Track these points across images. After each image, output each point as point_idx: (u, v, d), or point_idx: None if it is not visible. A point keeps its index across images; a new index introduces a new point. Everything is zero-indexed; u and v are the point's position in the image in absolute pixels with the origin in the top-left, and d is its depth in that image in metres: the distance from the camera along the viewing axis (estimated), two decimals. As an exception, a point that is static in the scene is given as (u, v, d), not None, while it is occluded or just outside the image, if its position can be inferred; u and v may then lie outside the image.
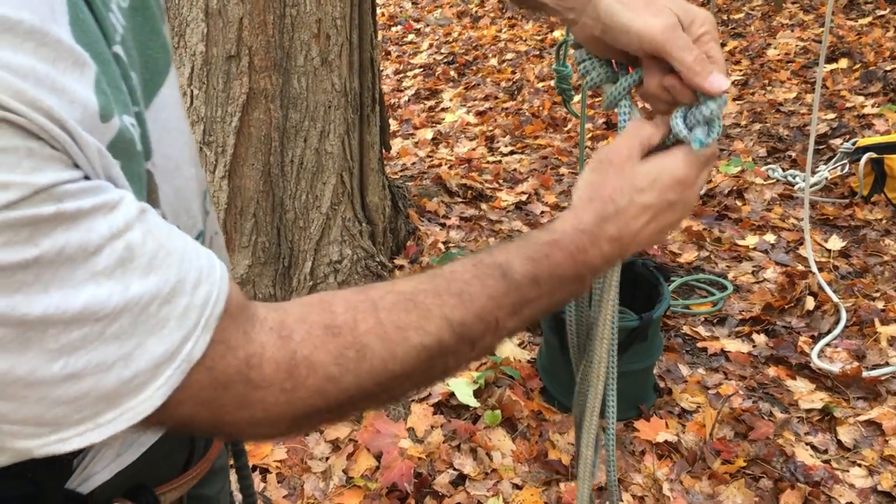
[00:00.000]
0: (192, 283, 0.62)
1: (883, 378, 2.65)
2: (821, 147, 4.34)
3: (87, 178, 0.59)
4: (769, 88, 5.21)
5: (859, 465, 2.35)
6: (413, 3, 8.16)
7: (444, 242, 3.46)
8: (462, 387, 2.60)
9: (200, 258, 0.65)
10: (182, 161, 0.81)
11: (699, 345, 2.92)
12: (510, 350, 2.82)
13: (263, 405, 0.65)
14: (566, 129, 4.94)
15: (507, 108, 5.32)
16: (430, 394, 2.58)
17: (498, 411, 2.52)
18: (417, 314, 0.70)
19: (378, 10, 7.25)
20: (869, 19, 6.25)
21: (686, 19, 0.82)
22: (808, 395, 2.62)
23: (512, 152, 4.67)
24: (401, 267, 3.23)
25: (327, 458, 2.38)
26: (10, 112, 0.53)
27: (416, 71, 6.24)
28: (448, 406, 2.57)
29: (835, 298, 3.03)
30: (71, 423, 0.59)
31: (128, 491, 0.80)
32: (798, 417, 2.55)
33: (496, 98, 5.53)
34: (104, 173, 0.62)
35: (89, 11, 0.65)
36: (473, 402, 2.56)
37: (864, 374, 2.65)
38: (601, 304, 0.91)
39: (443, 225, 3.65)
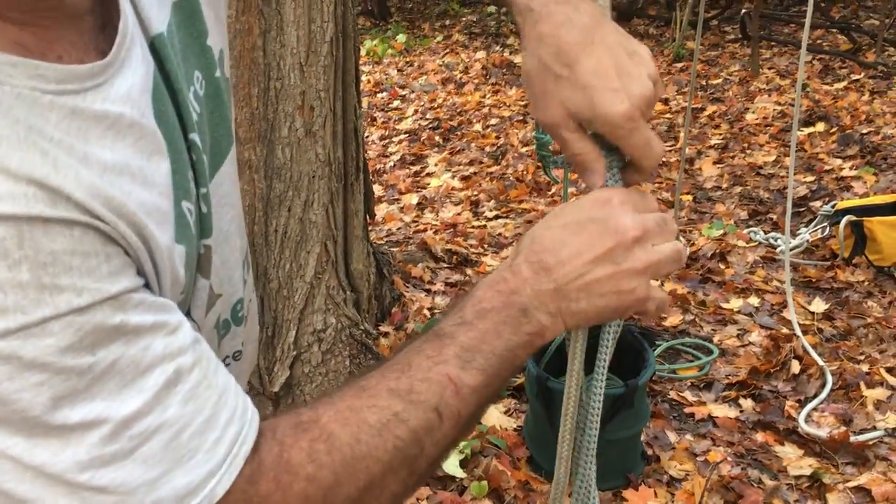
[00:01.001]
0: (226, 419, 0.64)
1: (870, 443, 2.64)
2: (801, 210, 4.40)
3: (147, 285, 0.63)
4: (748, 152, 5.30)
5: (850, 534, 2.33)
6: (398, 70, 8.30)
7: (429, 309, 3.46)
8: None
9: (238, 397, 0.66)
10: (231, 233, 0.85)
11: (686, 410, 2.90)
12: (496, 419, 2.79)
13: None
14: (550, 193, 4.99)
15: (491, 173, 5.37)
16: (415, 464, 2.54)
17: (485, 482, 2.49)
18: (367, 394, 0.70)
19: (364, 77, 7.37)
20: (844, 84, 6.40)
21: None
22: (796, 461, 2.60)
23: (497, 216, 4.71)
24: (386, 334, 3.22)
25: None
26: (98, 219, 0.57)
27: (402, 136, 6.31)
28: (433, 477, 2.53)
29: (820, 362, 3.03)
30: None
31: None
32: (787, 484, 2.52)
33: (481, 163, 5.59)
34: (171, 274, 0.66)
35: (171, 101, 0.71)
36: (460, 473, 2.52)
37: (852, 438, 2.63)
38: (569, 373, 0.87)
39: (428, 291, 3.65)
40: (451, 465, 2.54)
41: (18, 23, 0.58)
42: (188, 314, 0.78)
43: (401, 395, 0.70)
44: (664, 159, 5.26)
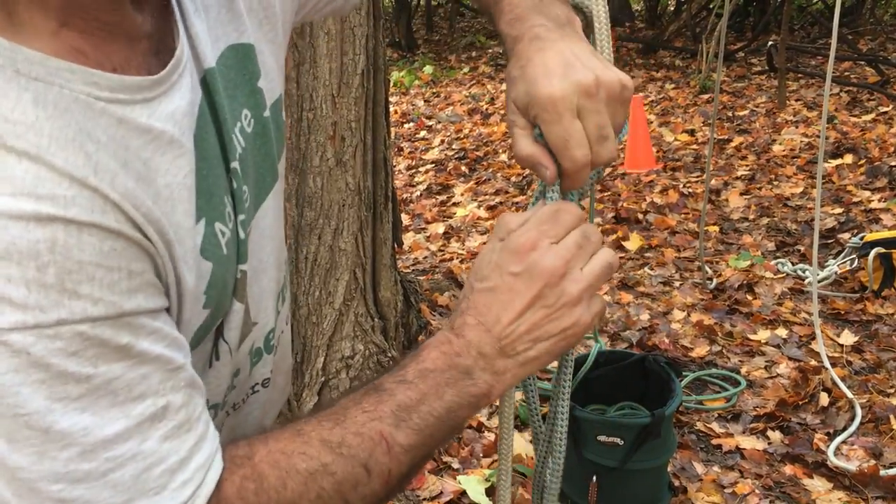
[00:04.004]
0: (197, 465, 0.66)
1: (901, 477, 2.60)
2: (829, 241, 4.38)
3: (168, 309, 0.67)
4: (776, 183, 5.29)
5: (881, 569, 2.30)
6: (425, 101, 8.40)
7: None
8: (473, 484, 2.57)
9: (213, 445, 0.69)
10: (269, 265, 0.89)
11: (713, 442, 2.88)
12: (522, 447, 2.79)
13: None
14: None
15: (517, 203, 5.40)
16: (441, 492, 2.55)
17: (510, 511, 2.49)
18: (301, 440, 0.71)
19: (391, 108, 7.45)
20: (872, 115, 6.38)
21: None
22: (825, 495, 2.57)
23: (522, 246, 4.72)
24: (412, 362, 3.24)
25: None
26: (130, 223, 0.61)
27: (428, 166, 6.37)
28: (459, 505, 2.54)
29: (849, 394, 3.01)
30: None
31: None
32: (816, 518, 2.50)
33: (506, 192, 5.62)
34: (194, 289, 0.70)
35: (215, 130, 0.75)
36: (485, 501, 2.52)
37: (882, 472, 2.60)
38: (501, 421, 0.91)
39: (454, 319, 3.67)
40: (477, 494, 2.54)
41: (79, 29, 0.63)
42: (221, 336, 0.81)
43: (331, 447, 0.70)
44: (689, 190, 5.27)
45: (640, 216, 4.92)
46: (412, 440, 0.72)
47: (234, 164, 0.77)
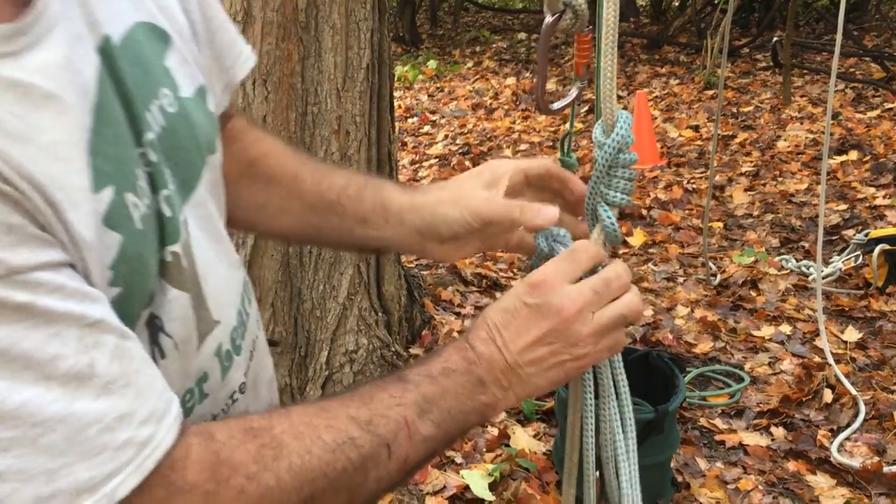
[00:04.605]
0: (140, 421, 0.62)
1: (905, 474, 2.60)
2: (834, 238, 4.37)
3: (73, 265, 0.62)
4: (780, 179, 5.28)
5: (884, 565, 2.30)
6: (429, 96, 8.39)
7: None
8: (477, 479, 2.58)
9: (160, 401, 0.65)
10: (215, 258, 0.84)
11: (717, 437, 2.89)
12: (525, 442, 2.80)
13: None
14: (579, 218, 5.00)
15: (521, 198, 5.40)
16: (444, 486, 2.55)
17: (513, 505, 2.49)
18: (326, 415, 0.72)
19: (395, 103, 7.45)
20: (877, 112, 6.36)
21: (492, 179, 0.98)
22: (828, 491, 2.57)
23: (526, 241, 4.72)
24: (416, 356, 3.24)
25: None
26: (5, 184, 0.57)
27: (432, 161, 6.36)
28: (463, 500, 2.55)
29: (853, 391, 3.00)
30: None
31: None
32: (819, 514, 2.50)
33: (510, 188, 5.61)
34: (98, 259, 0.64)
35: (120, 101, 0.71)
36: (489, 496, 2.53)
37: (885, 469, 2.60)
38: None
39: (458, 314, 3.67)
40: (480, 488, 2.54)
41: None
42: (161, 330, 0.75)
43: (359, 424, 0.72)
44: (693, 186, 5.26)
45: (644, 212, 4.92)
46: (430, 432, 0.76)
47: (150, 136, 0.73)
